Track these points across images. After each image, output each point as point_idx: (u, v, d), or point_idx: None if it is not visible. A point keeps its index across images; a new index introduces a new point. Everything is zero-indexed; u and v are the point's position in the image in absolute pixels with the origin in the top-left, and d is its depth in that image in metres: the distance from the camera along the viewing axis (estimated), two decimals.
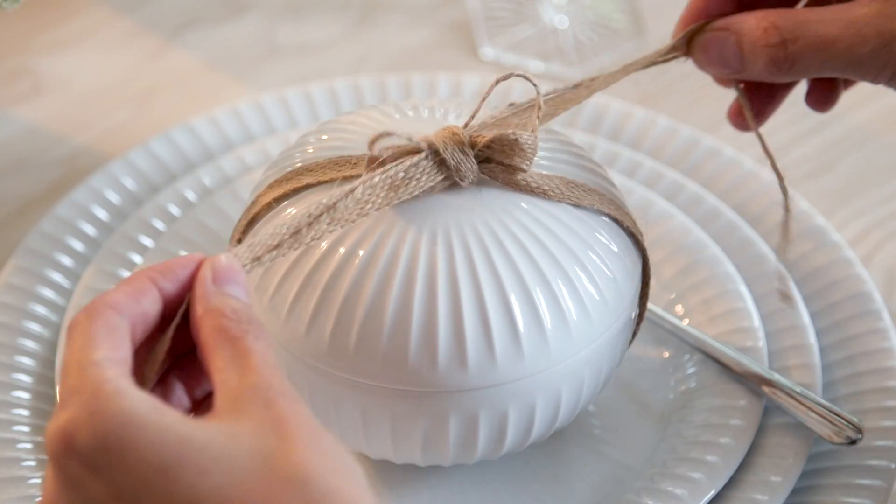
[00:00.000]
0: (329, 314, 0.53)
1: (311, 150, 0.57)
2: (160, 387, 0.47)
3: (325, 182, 0.55)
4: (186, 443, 0.41)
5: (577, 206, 0.55)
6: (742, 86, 0.59)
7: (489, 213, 0.54)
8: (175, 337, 0.46)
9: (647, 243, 0.58)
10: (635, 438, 0.61)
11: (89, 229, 0.67)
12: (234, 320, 0.45)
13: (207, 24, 0.80)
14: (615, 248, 0.55)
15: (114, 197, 0.68)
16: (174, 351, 0.47)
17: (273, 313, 0.54)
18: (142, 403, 0.42)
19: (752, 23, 0.55)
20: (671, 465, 0.59)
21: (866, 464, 0.59)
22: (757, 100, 0.60)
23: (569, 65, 0.77)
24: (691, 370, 0.62)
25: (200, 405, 0.48)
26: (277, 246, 0.49)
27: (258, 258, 0.49)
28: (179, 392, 0.48)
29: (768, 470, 0.58)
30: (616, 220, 0.56)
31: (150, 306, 0.46)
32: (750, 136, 0.74)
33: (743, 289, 0.64)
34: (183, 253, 0.64)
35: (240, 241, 0.57)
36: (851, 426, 0.59)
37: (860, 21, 0.53)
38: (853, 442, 0.58)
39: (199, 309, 0.46)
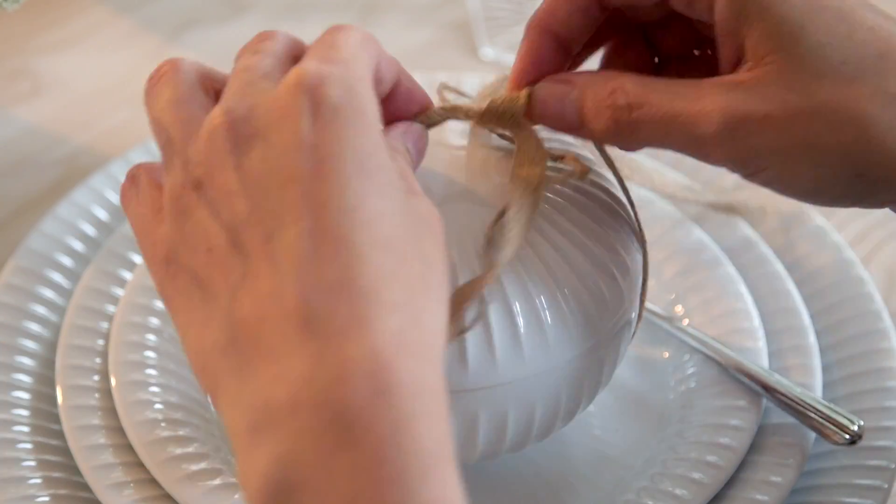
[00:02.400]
0: None
1: None
2: None
3: None
4: None
5: (579, 195, 0.55)
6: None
7: (489, 212, 0.54)
8: None
9: (647, 243, 0.58)
10: (635, 438, 0.61)
11: (89, 229, 0.67)
12: None
13: (207, 24, 0.80)
14: (616, 248, 0.55)
15: (114, 197, 0.68)
16: None
17: None
18: None
19: (598, 80, 0.51)
20: (671, 465, 0.59)
21: (866, 464, 0.59)
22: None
23: None
24: (691, 370, 0.62)
25: None
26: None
27: None
28: None
29: (768, 470, 0.58)
30: (617, 220, 0.56)
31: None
32: None
33: (743, 289, 0.64)
34: None
35: None
36: (851, 426, 0.59)
37: (707, 100, 0.49)
38: (853, 442, 0.58)
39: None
